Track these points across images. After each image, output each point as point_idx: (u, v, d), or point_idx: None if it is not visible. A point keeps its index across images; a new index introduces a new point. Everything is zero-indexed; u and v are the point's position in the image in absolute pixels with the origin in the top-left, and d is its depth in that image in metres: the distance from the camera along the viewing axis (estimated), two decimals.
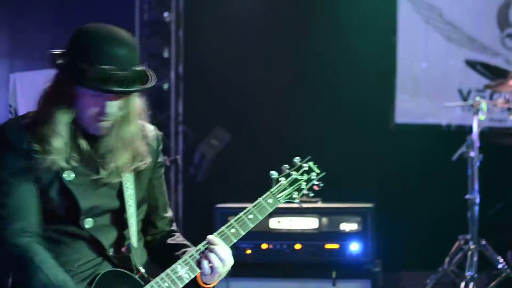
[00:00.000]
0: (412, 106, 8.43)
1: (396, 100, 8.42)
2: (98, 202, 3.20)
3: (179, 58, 8.74)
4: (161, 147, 3.42)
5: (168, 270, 3.16)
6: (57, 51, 3.11)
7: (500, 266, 6.88)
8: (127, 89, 3.06)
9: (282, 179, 3.36)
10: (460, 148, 7.10)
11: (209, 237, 3.21)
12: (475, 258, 6.78)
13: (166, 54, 8.66)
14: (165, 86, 8.63)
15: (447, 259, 7.00)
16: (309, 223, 6.15)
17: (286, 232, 6.16)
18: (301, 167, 3.41)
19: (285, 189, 3.35)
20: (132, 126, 3.22)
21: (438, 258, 7.11)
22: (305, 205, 6.01)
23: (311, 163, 3.44)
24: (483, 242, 6.94)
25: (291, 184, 3.37)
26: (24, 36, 7.20)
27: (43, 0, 7.32)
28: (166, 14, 8.63)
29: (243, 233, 3.27)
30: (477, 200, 6.96)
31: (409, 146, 8.28)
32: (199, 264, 3.18)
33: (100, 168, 3.20)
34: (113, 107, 3.10)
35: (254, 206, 3.30)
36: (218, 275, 3.20)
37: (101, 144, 3.18)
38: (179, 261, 3.18)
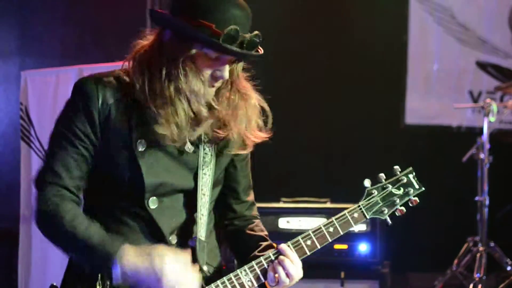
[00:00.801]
0: (422, 107, 8.41)
1: (407, 100, 8.41)
2: (167, 179, 2.93)
3: None
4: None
5: (231, 275, 2.93)
6: (160, 11, 2.92)
7: (508, 268, 6.87)
8: (250, 52, 2.85)
9: (375, 192, 3.09)
10: (470, 150, 7.09)
11: (281, 246, 3.00)
12: (484, 260, 6.77)
13: None
14: None
15: (455, 261, 6.99)
16: (318, 223, 6.13)
17: (295, 232, 6.13)
18: (399, 179, 3.12)
19: (376, 203, 3.07)
20: (248, 96, 3.04)
21: (447, 260, 7.10)
22: (314, 205, 6.00)
23: (411, 176, 3.15)
24: (492, 244, 6.93)
25: (383, 199, 3.08)
26: (35, 33, 7.21)
27: None
28: None
29: (319, 247, 3.05)
30: (487, 202, 6.95)
31: (419, 147, 8.26)
32: (265, 274, 2.96)
33: (187, 140, 2.93)
34: (227, 71, 2.88)
35: (337, 219, 3.04)
36: (285, 286, 2.98)
37: (212, 113, 2.91)
38: (245, 267, 2.95)
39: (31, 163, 5.77)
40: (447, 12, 8.40)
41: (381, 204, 3.07)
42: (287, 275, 2.96)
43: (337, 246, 6.09)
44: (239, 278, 2.93)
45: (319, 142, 8.15)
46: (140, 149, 2.89)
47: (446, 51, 8.42)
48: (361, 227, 6.13)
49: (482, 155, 6.95)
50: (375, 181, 3.12)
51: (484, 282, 6.64)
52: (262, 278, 2.96)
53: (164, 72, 2.83)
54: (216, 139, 3.02)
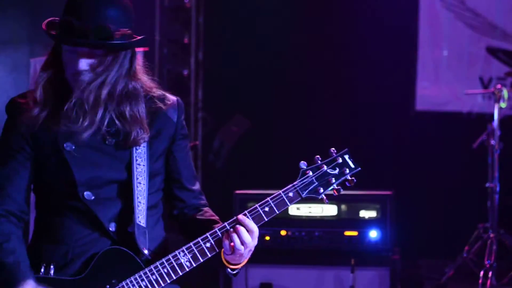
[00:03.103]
0: (432, 94, 8.40)
1: (417, 87, 8.39)
2: (99, 173, 3.12)
3: (199, 44, 8.73)
4: (183, 117, 3.29)
5: (170, 255, 3.08)
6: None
7: None
8: (83, 41, 2.98)
9: (309, 172, 3.16)
10: (481, 136, 7.07)
11: (239, 217, 3.09)
12: (494, 247, 6.76)
13: (186, 40, 8.66)
14: (185, 72, 8.63)
15: (466, 248, 6.99)
16: (328, 210, 6.14)
17: (305, 219, 6.15)
18: (334, 159, 3.19)
19: (310, 183, 3.15)
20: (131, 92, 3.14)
21: (457, 247, 7.10)
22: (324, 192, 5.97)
23: (346, 156, 3.21)
24: (503, 231, 6.93)
25: (318, 178, 3.16)
26: (44, 21, 7.20)
27: None
28: (186, 0, 8.62)
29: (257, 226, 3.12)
30: (497, 189, 6.94)
31: (429, 133, 8.25)
32: (219, 243, 3.07)
33: (107, 137, 3.12)
34: (83, 63, 3.02)
35: (272, 198, 3.13)
36: (240, 256, 3.10)
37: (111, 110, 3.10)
38: (183, 247, 3.08)
39: None
40: None
41: (316, 183, 3.16)
42: (242, 242, 3.06)
43: (347, 233, 6.09)
44: (178, 259, 3.07)
45: (328, 129, 8.14)
46: (68, 149, 3.09)
47: (456, 37, 8.39)
48: (371, 214, 6.13)
49: (492, 141, 6.94)
50: (311, 163, 3.20)
51: (494, 268, 6.63)
52: (216, 249, 3.08)
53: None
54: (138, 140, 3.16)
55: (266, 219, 3.14)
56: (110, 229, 3.12)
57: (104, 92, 3.04)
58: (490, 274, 6.58)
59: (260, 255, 5.29)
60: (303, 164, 3.18)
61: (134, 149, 3.15)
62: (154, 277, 3.06)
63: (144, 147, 3.16)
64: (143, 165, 3.16)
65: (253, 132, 8.49)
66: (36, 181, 3.20)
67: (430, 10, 8.38)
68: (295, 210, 6.14)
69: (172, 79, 8.50)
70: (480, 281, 6.58)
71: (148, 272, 3.07)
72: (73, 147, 3.09)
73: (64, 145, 3.08)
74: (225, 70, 8.51)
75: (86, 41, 2.98)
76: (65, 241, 3.10)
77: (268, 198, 3.14)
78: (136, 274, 3.06)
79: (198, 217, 3.31)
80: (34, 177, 3.17)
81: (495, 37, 8.36)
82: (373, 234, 6.09)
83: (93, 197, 3.10)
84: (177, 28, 8.66)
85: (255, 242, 3.11)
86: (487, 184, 6.98)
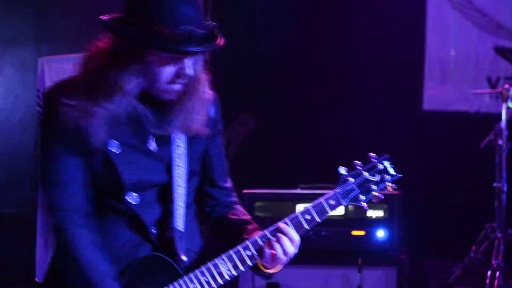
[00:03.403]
0: (440, 93, 8.38)
1: (424, 87, 8.38)
2: (144, 176, 3.04)
3: None
4: (220, 113, 3.26)
5: (209, 264, 3.01)
6: (110, 16, 2.98)
7: None
8: (205, 48, 2.91)
9: (350, 179, 3.10)
10: (488, 136, 7.06)
11: (280, 225, 3.03)
12: (502, 247, 6.75)
13: None
14: None
15: (473, 248, 6.98)
16: (336, 210, 6.13)
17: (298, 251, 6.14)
18: (374, 166, 3.12)
19: (351, 190, 3.09)
20: (205, 88, 3.09)
21: (465, 246, 7.09)
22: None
23: (387, 163, 3.16)
24: (510, 231, 6.91)
25: (359, 185, 3.10)
26: (51, 20, 7.21)
27: None
28: None
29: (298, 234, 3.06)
30: (505, 188, 6.93)
31: (437, 133, 8.24)
32: (260, 251, 3.01)
33: (152, 137, 3.04)
34: (191, 68, 2.95)
35: (314, 207, 3.07)
36: (280, 264, 3.07)
37: (172, 109, 2.99)
38: (223, 255, 3.02)
39: None
40: None
41: (357, 191, 3.09)
42: (284, 252, 3.01)
43: (354, 233, 6.08)
44: (217, 267, 3.01)
45: (336, 129, 8.14)
46: (115, 151, 3.00)
47: (464, 36, 8.37)
48: (378, 213, 6.13)
49: (500, 141, 6.93)
50: (351, 168, 3.13)
51: (502, 268, 6.62)
52: (256, 258, 3.02)
53: (118, 78, 2.93)
54: (184, 129, 3.08)
55: (307, 228, 3.08)
56: (153, 232, 3.06)
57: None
58: (497, 274, 6.57)
59: None
60: (343, 170, 3.11)
61: (174, 150, 3.08)
62: (193, 285, 3.00)
63: (183, 147, 3.10)
64: (183, 167, 3.10)
65: (260, 131, 8.47)
66: None
67: (437, 10, 8.37)
68: (302, 209, 6.13)
69: None
70: (488, 281, 6.57)
71: (188, 280, 3.01)
72: (120, 149, 3.01)
73: (111, 145, 2.99)
74: (231, 68, 8.49)
75: (209, 48, 2.94)
76: (105, 244, 3.02)
77: (309, 206, 3.08)
78: (175, 283, 3.01)
79: (231, 216, 3.26)
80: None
81: (502, 37, 8.34)
82: (381, 233, 6.09)
83: (137, 201, 3.04)
84: None
85: (296, 250, 3.07)
86: (495, 184, 6.97)
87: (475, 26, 8.38)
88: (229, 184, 3.33)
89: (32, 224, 5.87)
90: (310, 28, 8.38)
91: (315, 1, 8.47)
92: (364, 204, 3.12)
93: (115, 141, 2.99)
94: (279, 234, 3.01)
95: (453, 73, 8.37)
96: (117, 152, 3.00)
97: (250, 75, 8.35)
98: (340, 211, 6.11)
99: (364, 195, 3.10)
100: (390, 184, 3.15)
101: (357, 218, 6.12)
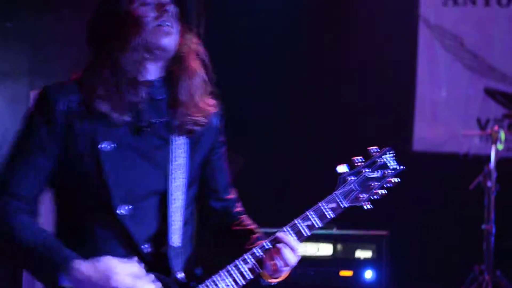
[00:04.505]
0: (430, 134, 8.40)
1: (414, 127, 8.40)
2: (137, 179, 2.84)
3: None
4: (223, 124, 3.09)
5: (207, 281, 2.85)
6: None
7: None
8: None
9: (350, 178, 2.97)
10: (477, 178, 7.08)
11: (278, 235, 2.86)
12: None
13: None
14: None
15: None
16: (324, 250, 6.13)
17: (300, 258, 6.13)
18: (375, 161, 3.00)
19: (351, 191, 2.94)
20: (197, 79, 2.99)
21: None
22: (319, 231, 5.97)
23: (389, 156, 3.04)
24: (499, 273, 6.90)
25: (360, 184, 2.97)
26: (45, 53, 7.23)
27: (64, 16, 7.35)
28: None
29: (299, 242, 2.89)
30: (493, 231, 6.93)
31: (426, 174, 8.23)
32: (260, 262, 2.85)
33: (150, 137, 2.88)
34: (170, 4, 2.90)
35: (313, 211, 2.91)
36: (283, 274, 2.91)
37: (171, 108, 2.91)
38: (221, 271, 2.85)
39: None
40: (456, 39, 8.40)
41: (358, 190, 2.96)
42: (286, 263, 2.86)
43: (342, 273, 6.08)
44: (216, 284, 2.85)
45: (324, 166, 8.13)
46: (107, 149, 2.83)
47: (455, 78, 8.41)
48: (366, 254, 6.12)
49: (489, 183, 6.94)
50: (351, 165, 3.00)
51: None
52: (257, 270, 2.86)
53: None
54: (184, 130, 2.95)
55: (308, 234, 2.92)
56: (145, 250, 2.84)
57: None
58: None
59: None
60: (342, 169, 2.98)
61: (172, 160, 2.90)
62: None
63: (184, 158, 2.93)
64: (182, 178, 2.92)
65: (253, 136, 8.35)
66: (61, 192, 2.91)
67: (429, 51, 8.41)
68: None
69: None
70: None
71: None
72: (112, 147, 2.83)
73: (102, 144, 2.83)
74: (226, 73, 8.42)
75: None
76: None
77: (308, 211, 2.91)
78: None
79: (234, 227, 3.12)
80: (57, 185, 2.89)
81: (493, 79, 8.38)
82: (369, 274, 6.09)
83: (127, 212, 2.81)
84: None
85: (298, 258, 2.90)
86: (483, 226, 6.98)
87: (466, 68, 8.42)
88: (233, 195, 3.21)
89: None
90: (297, 60, 8.39)
91: (307, 33, 8.47)
92: (367, 204, 2.97)
93: (108, 140, 2.83)
94: (279, 245, 2.87)
95: (443, 114, 8.40)
96: (109, 151, 2.82)
97: (246, 79, 8.27)
98: (328, 251, 6.11)
99: (365, 194, 2.97)
100: (391, 179, 3.00)
101: (345, 258, 6.13)
